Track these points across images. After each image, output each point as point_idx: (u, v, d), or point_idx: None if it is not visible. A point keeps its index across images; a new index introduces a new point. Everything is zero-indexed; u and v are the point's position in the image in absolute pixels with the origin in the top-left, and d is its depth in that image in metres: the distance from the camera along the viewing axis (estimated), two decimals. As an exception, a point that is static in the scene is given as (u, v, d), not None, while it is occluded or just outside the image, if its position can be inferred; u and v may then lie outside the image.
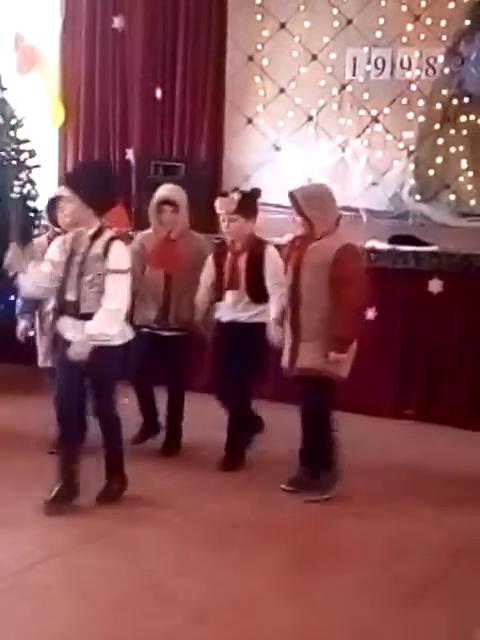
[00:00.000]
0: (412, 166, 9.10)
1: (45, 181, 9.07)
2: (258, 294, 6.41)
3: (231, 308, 6.49)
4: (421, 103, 9.03)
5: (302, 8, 9.43)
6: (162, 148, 9.91)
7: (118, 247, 5.53)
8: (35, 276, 5.60)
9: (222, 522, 5.52)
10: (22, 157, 8.80)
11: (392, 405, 8.06)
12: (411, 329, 8.08)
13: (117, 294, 5.50)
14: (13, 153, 8.75)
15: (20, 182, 8.74)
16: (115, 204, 6.03)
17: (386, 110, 9.17)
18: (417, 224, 8.86)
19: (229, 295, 6.50)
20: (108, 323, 5.47)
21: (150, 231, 6.87)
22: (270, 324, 6.24)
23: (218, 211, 6.48)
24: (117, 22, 10.01)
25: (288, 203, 6.21)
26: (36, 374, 6.86)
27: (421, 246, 8.22)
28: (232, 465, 6.51)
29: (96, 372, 5.59)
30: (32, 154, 8.87)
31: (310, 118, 9.51)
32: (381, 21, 9.08)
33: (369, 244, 8.24)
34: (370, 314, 8.05)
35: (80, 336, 5.46)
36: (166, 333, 6.70)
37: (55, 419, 5.72)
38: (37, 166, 8.88)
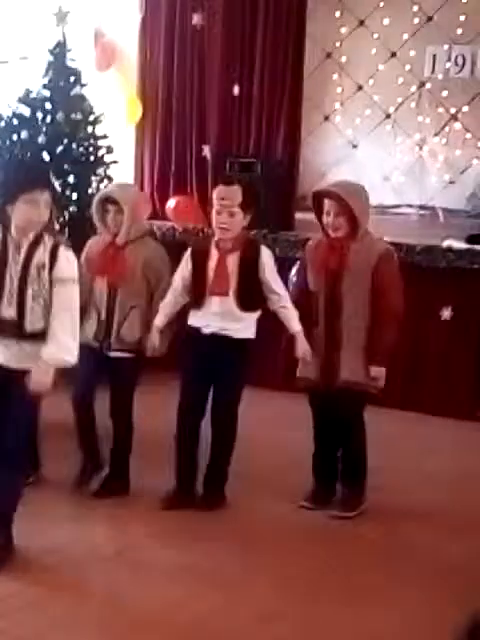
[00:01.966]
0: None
1: (122, 177, 9.11)
2: (248, 302, 5.60)
3: (216, 317, 5.58)
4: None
5: (381, 5, 9.38)
6: (239, 145, 9.90)
7: (65, 255, 4.77)
8: None
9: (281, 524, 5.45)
10: (100, 153, 8.84)
11: (467, 407, 7.96)
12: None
13: (67, 309, 4.72)
14: (91, 149, 8.79)
15: (97, 178, 8.78)
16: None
17: (465, 108, 9.08)
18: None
19: (214, 301, 5.60)
20: (70, 346, 4.71)
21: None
22: (297, 336, 5.57)
23: (217, 200, 5.58)
24: (196, 19, 10.00)
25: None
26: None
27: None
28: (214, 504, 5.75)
29: (22, 400, 4.74)
30: (109, 150, 8.90)
31: (388, 116, 9.45)
32: (462, 18, 8.99)
33: (446, 243, 8.16)
34: (446, 314, 7.98)
35: (39, 363, 4.64)
36: (110, 353, 5.80)
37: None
38: (114, 162, 8.92)
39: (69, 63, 8.76)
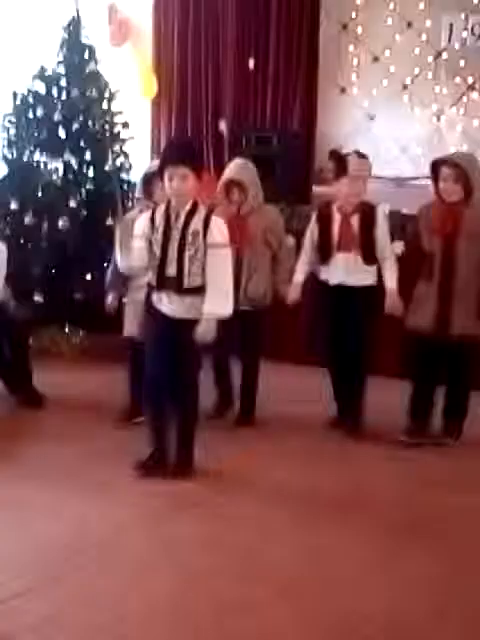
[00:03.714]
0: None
1: (138, 153, 9.10)
2: (370, 256, 6.30)
3: (342, 271, 6.34)
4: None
5: (397, -25, 9.32)
6: (255, 119, 9.88)
7: (217, 222, 5.44)
8: (130, 255, 5.58)
9: (312, 494, 5.48)
10: (116, 130, 8.83)
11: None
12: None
13: (220, 270, 5.44)
14: (106, 126, 8.78)
15: (114, 155, 8.77)
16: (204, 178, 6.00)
17: (483, 77, 9.02)
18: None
19: (340, 257, 6.34)
20: (223, 302, 5.45)
21: (220, 208, 6.55)
22: (390, 292, 6.22)
23: (352, 170, 6.26)
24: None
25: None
26: (122, 344, 6.91)
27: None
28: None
29: (188, 345, 5.50)
30: (125, 126, 8.88)
31: (405, 87, 9.40)
32: (479, -14, 8.92)
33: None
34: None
35: (203, 321, 5.39)
36: (240, 308, 6.26)
37: (143, 388, 5.74)
38: (131, 138, 8.91)
39: (83, 40, 8.74)
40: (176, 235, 5.43)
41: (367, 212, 6.30)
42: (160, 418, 5.67)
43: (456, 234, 5.99)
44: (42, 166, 8.67)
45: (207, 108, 10.15)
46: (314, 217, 6.49)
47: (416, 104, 9.33)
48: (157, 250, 5.47)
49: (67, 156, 8.59)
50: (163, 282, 5.49)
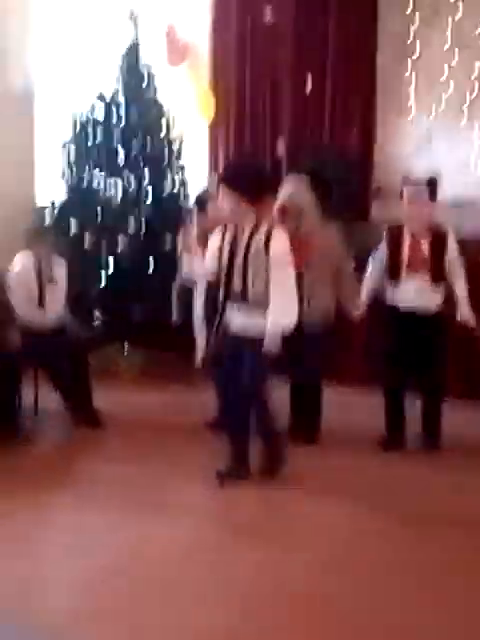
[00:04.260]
0: None
1: (197, 175, 9.15)
2: (440, 277, 6.47)
3: (412, 294, 6.49)
4: None
5: (454, -2, 9.29)
6: (313, 139, 9.87)
7: (279, 237, 5.71)
8: (197, 264, 6.10)
9: (390, 518, 5.44)
10: (174, 150, 8.91)
11: None
12: None
13: (282, 284, 5.68)
14: (165, 147, 8.86)
15: (172, 175, 8.85)
16: (266, 198, 6.04)
17: None
18: None
19: (411, 279, 6.50)
20: (286, 314, 5.67)
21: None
22: (462, 301, 6.39)
23: (408, 200, 6.49)
24: (268, 13, 9.98)
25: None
26: (189, 364, 6.97)
27: None
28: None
29: (258, 358, 5.72)
30: (183, 148, 8.96)
31: (463, 107, 9.34)
32: None
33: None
34: None
35: (269, 332, 5.62)
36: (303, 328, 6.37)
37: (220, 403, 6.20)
38: (189, 160, 8.98)
39: (143, 62, 8.84)
40: (241, 251, 5.72)
41: (437, 236, 6.48)
42: (241, 432, 5.93)
43: None
44: (102, 189, 8.76)
45: (265, 129, 10.16)
46: (384, 238, 6.64)
47: (475, 125, 9.27)
48: (225, 265, 5.78)
49: (127, 176, 8.67)
50: (229, 296, 5.80)
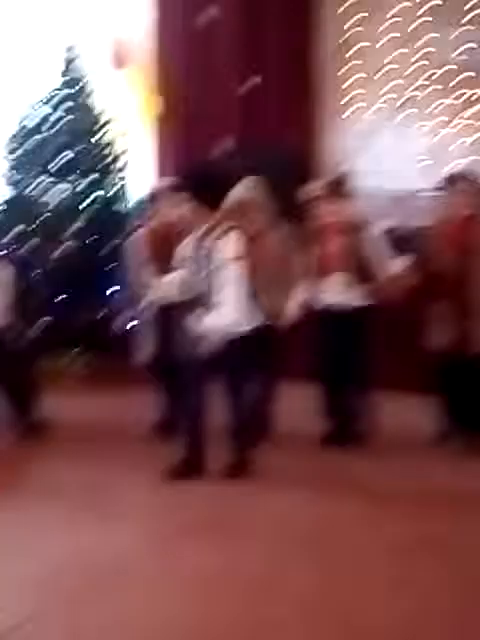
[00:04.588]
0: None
1: (141, 176, 9.12)
2: (360, 276, 6.41)
3: (333, 291, 6.48)
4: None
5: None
6: (257, 137, 9.87)
7: (231, 237, 5.82)
8: (168, 284, 6.17)
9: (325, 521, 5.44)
10: (117, 152, 8.88)
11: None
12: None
13: (235, 282, 5.78)
14: (108, 149, 8.83)
15: (115, 178, 8.82)
16: (221, 202, 6.06)
17: (484, 91, 9.02)
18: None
19: (330, 278, 6.49)
20: (231, 312, 5.77)
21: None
22: (394, 274, 6.31)
23: (311, 194, 6.55)
24: (209, 14, 9.97)
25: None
26: (132, 367, 6.96)
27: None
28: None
29: (224, 357, 5.82)
30: (127, 150, 8.94)
31: (406, 102, 9.40)
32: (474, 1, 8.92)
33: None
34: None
35: (210, 328, 5.76)
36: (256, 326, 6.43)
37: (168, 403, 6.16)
38: (132, 161, 8.95)
39: (84, 65, 8.80)
40: (203, 253, 5.85)
41: (355, 233, 6.41)
42: (198, 427, 5.97)
43: (470, 248, 6.08)
44: (46, 191, 8.70)
45: (209, 129, 10.15)
46: (310, 238, 6.62)
47: (418, 118, 9.32)
48: (190, 270, 5.90)
49: (71, 180, 8.62)
50: (195, 300, 5.87)
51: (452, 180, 6.25)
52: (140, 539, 5.01)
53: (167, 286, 6.18)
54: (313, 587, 4.32)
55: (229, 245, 5.80)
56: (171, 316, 6.35)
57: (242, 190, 6.70)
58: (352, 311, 6.42)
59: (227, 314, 5.78)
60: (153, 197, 6.96)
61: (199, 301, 5.86)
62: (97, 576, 4.51)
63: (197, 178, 6.14)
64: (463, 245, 6.09)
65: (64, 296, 8.45)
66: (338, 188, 6.47)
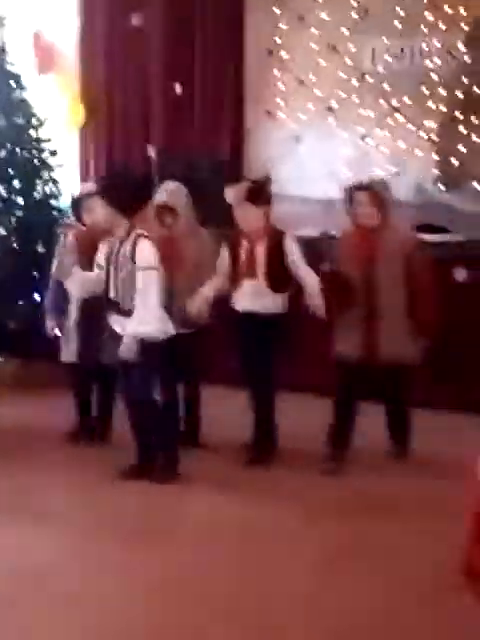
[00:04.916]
0: (435, 156, 9.06)
1: (68, 180, 9.10)
2: (277, 284, 6.32)
3: (249, 297, 6.36)
4: (442, 92, 8.98)
5: (320, 0, 9.42)
6: (183, 144, 9.91)
7: (143, 245, 5.76)
8: (83, 280, 6.18)
9: (267, 513, 5.48)
10: (44, 157, 8.82)
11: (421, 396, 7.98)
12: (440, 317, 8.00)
13: (147, 290, 5.71)
14: (35, 152, 8.77)
15: (43, 181, 8.76)
16: (143, 206, 6.09)
17: (407, 100, 9.13)
18: (441, 213, 8.80)
19: (247, 284, 6.36)
20: (144, 320, 5.71)
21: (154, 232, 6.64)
22: (312, 294, 6.13)
23: (228, 200, 6.39)
24: (135, 19, 10.00)
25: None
26: (58, 370, 6.97)
27: (446, 235, 8.18)
28: (258, 461, 6.40)
29: (134, 364, 5.78)
30: (53, 153, 8.89)
31: (330, 109, 9.49)
32: (399, 11, 9.04)
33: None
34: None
35: (125, 336, 5.72)
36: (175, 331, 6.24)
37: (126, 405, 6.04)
38: (59, 165, 8.91)
39: (9, 68, 8.74)
40: (113, 259, 5.85)
41: (274, 240, 6.31)
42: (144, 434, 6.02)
43: (375, 258, 6.04)
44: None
45: (135, 134, 10.18)
46: (226, 243, 6.53)
47: (342, 126, 9.42)
48: (103, 274, 5.92)
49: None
50: (108, 304, 5.91)
51: (355, 190, 6.17)
52: (64, 542, 5.01)
53: (86, 282, 6.16)
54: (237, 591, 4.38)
55: (143, 252, 5.75)
56: (93, 317, 6.38)
57: (162, 195, 6.62)
58: (270, 319, 6.32)
59: (141, 323, 5.71)
60: (75, 202, 6.97)
61: (113, 307, 5.87)
62: (20, 584, 4.49)
63: (110, 182, 6.14)
64: (367, 255, 6.07)
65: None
66: (257, 193, 6.33)
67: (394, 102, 9.19)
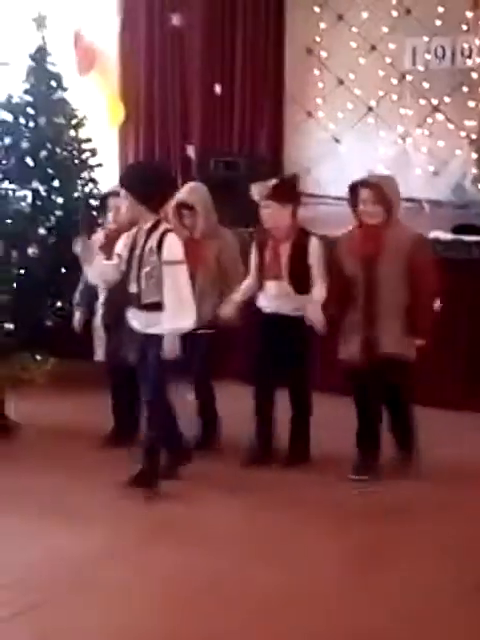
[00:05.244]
0: (474, 155, 9.01)
1: (107, 180, 9.11)
2: (301, 285, 6.23)
3: (273, 299, 6.29)
4: (483, 91, 8.93)
5: (360, -1, 9.41)
6: (222, 144, 9.93)
7: (171, 239, 5.71)
8: (102, 268, 5.93)
9: (288, 517, 5.49)
10: (84, 157, 8.85)
11: (459, 397, 7.94)
12: (478, 320, 7.96)
13: (175, 285, 5.66)
14: (75, 153, 8.80)
15: (82, 181, 8.79)
16: (168, 199, 6.06)
17: (447, 99, 9.10)
18: (480, 213, 8.74)
19: (271, 285, 6.29)
20: (178, 316, 5.65)
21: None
22: (314, 307, 6.07)
23: (253, 197, 6.29)
24: (175, 19, 10.00)
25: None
26: (95, 369, 6.98)
27: (485, 235, 8.11)
28: (298, 460, 6.40)
29: (154, 361, 5.74)
30: (94, 153, 8.91)
31: (370, 109, 9.47)
32: (440, 10, 8.99)
33: (432, 235, 8.11)
34: (435, 306, 7.95)
35: (166, 337, 5.65)
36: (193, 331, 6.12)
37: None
38: (99, 165, 8.93)
39: (50, 67, 8.77)
40: (137, 253, 5.74)
41: (300, 240, 6.23)
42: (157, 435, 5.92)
43: (378, 256, 5.91)
44: (10, 194, 8.67)
45: (174, 134, 10.20)
46: (254, 243, 6.47)
47: (382, 126, 9.39)
48: (123, 267, 5.81)
49: (35, 184, 8.59)
50: (128, 298, 5.82)
51: (359, 187, 6.00)
52: (106, 543, 5.04)
53: (105, 270, 5.94)
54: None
55: (171, 247, 5.68)
56: (120, 315, 6.15)
57: (181, 193, 6.54)
58: (293, 320, 6.21)
59: (177, 319, 5.64)
60: (104, 199, 7.01)
61: (130, 301, 5.81)
62: (63, 580, 4.54)
63: (133, 175, 6.04)
64: (370, 254, 5.92)
65: (29, 300, 8.40)
66: (283, 191, 6.22)
67: (434, 101, 9.15)
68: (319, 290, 6.15)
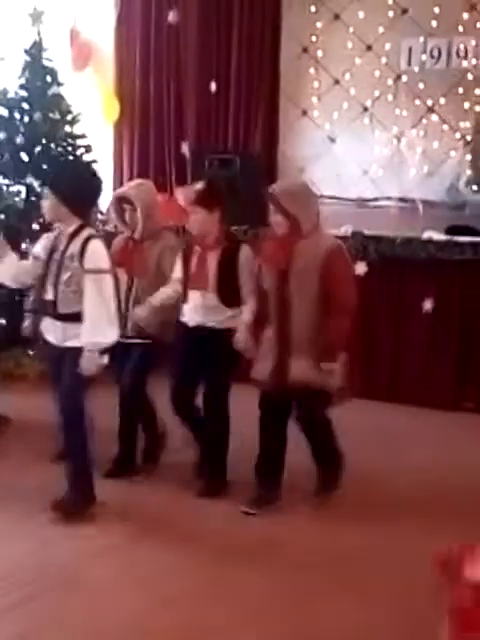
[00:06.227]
0: (469, 156, 9.03)
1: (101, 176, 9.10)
2: (229, 297, 5.72)
3: (197, 310, 5.78)
4: (478, 92, 8.95)
5: (356, -2, 9.41)
6: (217, 142, 9.93)
7: (95, 246, 5.20)
8: (16, 268, 5.46)
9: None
10: (78, 152, 8.84)
11: (450, 398, 7.97)
12: (469, 320, 7.98)
13: (99, 296, 5.15)
14: (69, 148, 8.80)
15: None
16: (94, 203, 5.74)
17: (442, 100, 9.12)
18: (474, 214, 8.74)
19: (195, 296, 5.78)
20: (98, 330, 5.14)
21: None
22: (240, 328, 5.56)
23: (179, 202, 6.00)
24: (171, 16, 10.00)
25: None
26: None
27: (478, 236, 8.12)
28: (213, 491, 5.82)
29: (72, 375, 5.23)
30: (88, 149, 8.91)
31: (365, 109, 9.48)
32: (436, 10, 9.01)
33: (426, 235, 8.15)
34: (427, 306, 7.98)
35: (84, 352, 5.12)
36: (126, 340, 5.82)
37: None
38: (94, 161, 8.92)
39: (45, 63, 8.77)
40: (57, 257, 5.26)
41: (230, 249, 5.76)
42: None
43: (288, 270, 5.31)
44: (5, 189, 8.67)
45: (169, 131, 10.20)
46: (180, 251, 5.97)
47: (377, 126, 9.40)
48: (40, 271, 5.33)
49: (30, 179, 8.58)
50: (42, 306, 5.37)
51: (273, 195, 5.36)
52: (95, 541, 5.05)
53: (19, 270, 5.47)
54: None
55: (95, 254, 5.17)
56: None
57: (123, 188, 6.29)
58: (218, 334, 5.70)
59: (95, 333, 5.11)
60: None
61: (48, 309, 5.30)
62: (51, 575, 4.54)
63: (59, 173, 5.67)
64: (281, 268, 5.33)
65: (21, 295, 8.39)
66: (209, 196, 5.81)
67: (429, 102, 9.16)
68: (247, 310, 5.63)
